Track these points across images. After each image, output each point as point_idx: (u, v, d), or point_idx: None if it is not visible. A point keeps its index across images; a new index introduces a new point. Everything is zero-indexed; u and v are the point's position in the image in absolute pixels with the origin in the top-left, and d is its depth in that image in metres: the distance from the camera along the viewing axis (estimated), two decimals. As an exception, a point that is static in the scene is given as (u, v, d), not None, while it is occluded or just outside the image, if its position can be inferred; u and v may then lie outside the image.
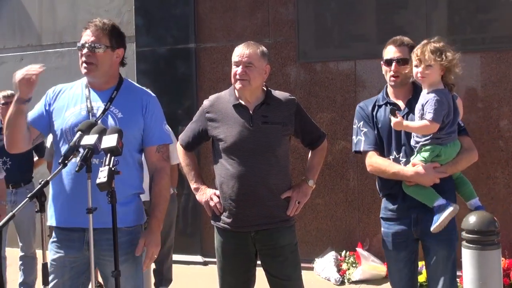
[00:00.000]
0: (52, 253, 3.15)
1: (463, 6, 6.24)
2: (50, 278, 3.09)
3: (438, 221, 3.22)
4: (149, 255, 3.12)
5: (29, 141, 3.20)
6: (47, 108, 3.20)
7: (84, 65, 3.11)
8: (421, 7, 6.36)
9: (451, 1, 6.30)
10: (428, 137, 3.29)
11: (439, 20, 6.35)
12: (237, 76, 3.40)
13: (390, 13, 6.50)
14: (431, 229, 3.25)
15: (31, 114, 3.21)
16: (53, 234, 3.17)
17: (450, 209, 3.21)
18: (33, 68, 2.98)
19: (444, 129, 3.29)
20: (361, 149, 3.53)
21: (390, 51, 3.49)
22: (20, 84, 2.98)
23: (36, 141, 3.31)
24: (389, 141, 3.46)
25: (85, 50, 3.10)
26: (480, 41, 6.22)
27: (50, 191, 3.18)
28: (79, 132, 2.86)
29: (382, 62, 3.54)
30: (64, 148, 3.05)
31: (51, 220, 3.16)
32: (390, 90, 3.55)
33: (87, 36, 3.12)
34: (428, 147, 3.31)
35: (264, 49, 3.51)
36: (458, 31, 6.26)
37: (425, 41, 3.34)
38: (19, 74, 2.97)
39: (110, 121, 3.08)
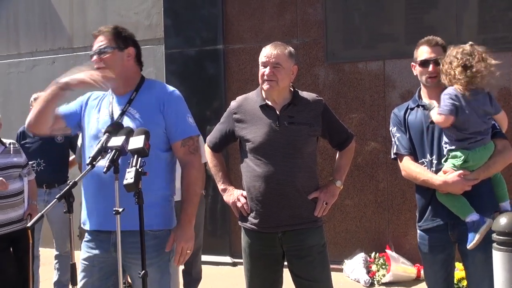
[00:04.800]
0: (83, 253, 3.19)
1: (493, 4, 6.14)
2: (80, 277, 3.13)
3: (474, 240, 3.19)
4: (178, 250, 3.10)
5: (49, 129, 3.23)
6: (80, 109, 3.28)
7: (97, 70, 3.17)
8: (451, 5, 6.28)
9: (481, -1, 6.22)
10: (454, 140, 3.25)
11: (470, 19, 6.25)
12: (265, 77, 3.39)
13: (419, 12, 6.43)
14: (468, 247, 3.22)
15: (66, 108, 3.29)
16: (85, 234, 3.21)
17: (484, 226, 3.17)
18: (99, 78, 3.05)
19: (467, 129, 3.23)
20: (394, 153, 3.53)
21: (424, 52, 3.43)
22: (77, 76, 3.06)
23: (57, 132, 3.36)
24: (421, 143, 3.42)
25: (94, 57, 3.18)
26: (511, 40, 6.11)
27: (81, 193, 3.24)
28: (107, 134, 2.89)
29: (414, 63, 3.49)
30: (89, 152, 3.08)
31: (84, 223, 3.21)
32: (424, 92, 3.50)
33: (94, 45, 3.21)
34: (454, 153, 3.26)
35: (292, 49, 3.50)
36: (489, 30, 6.15)
37: (463, 49, 3.28)
38: (86, 73, 3.06)
39: (127, 121, 3.10)
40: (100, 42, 3.19)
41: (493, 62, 3.27)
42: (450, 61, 3.26)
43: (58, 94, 3.11)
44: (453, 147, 3.26)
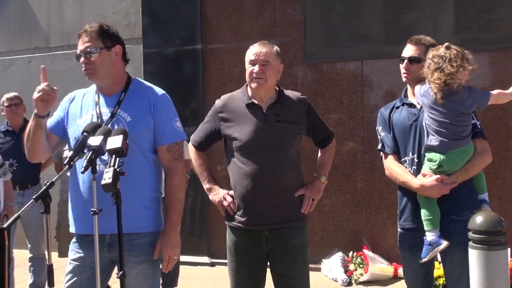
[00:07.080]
0: (72, 253, 3.17)
1: (470, 5, 6.22)
2: (68, 277, 3.12)
3: (426, 258, 3.30)
4: (166, 257, 3.11)
5: (49, 150, 3.24)
6: (63, 115, 3.24)
7: (85, 71, 3.12)
8: (427, 6, 6.35)
9: (458, 0, 6.27)
10: (429, 137, 3.30)
11: (446, 20, 6.33)
12: (254, 75, 3.41)
13: (396, 13, 6.49)
14: (420, 261, 3.33)
15: (50, 121, 3.24)
16: (74, 236, 3.18)
17: (439, 248, 3.26)
18: (47, 89, 2.98)
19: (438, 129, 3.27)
20: (379, 149, 3.59)
21: (406, 49, 3.52)
22: (36, 102, 3.00)
23: (57, 148, 3.35)
24: (404, 142, 3.46)
25: (82, 59, 3.12)
26: (487, 40, 6.18)
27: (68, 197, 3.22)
28: (84, 133, 2.87)
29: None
30: None
31: (71, 227, 3.18)
32: (409, 90, 3.56)
33: (80, 45, 3.13)
34: (429, 156, 3.31)
35: (278, 48, 3.54)
36: (465, 30, 6.23)
37: (437, 52, 3.32)
38: (35, 93, 2.99)
39: (117, 124, 3.07)
40: (86, 43, 3.11)
41: (470, 58, 3.30)
42: (428, 64, 3.31)
43: (38, 123, 3.07)
44: (426, 145, 3.30)
